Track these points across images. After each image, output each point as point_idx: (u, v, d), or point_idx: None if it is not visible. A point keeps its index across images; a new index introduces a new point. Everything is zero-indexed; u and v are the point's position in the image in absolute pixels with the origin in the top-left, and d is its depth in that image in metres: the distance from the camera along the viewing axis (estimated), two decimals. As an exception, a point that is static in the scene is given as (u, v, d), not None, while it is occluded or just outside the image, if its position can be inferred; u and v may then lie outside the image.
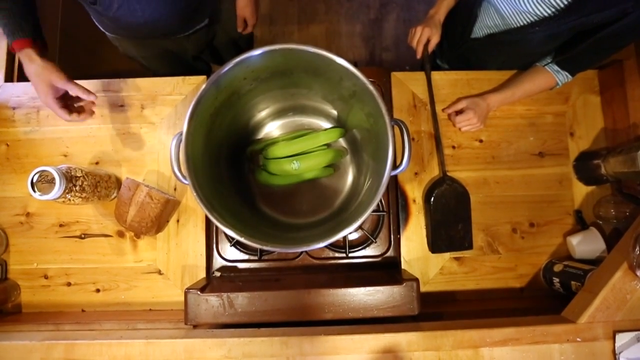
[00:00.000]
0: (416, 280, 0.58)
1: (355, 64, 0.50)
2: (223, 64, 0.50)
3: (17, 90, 0.77)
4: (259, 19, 0.89)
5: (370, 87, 0.50)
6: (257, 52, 0.49)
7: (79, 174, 0.63)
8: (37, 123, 0.76)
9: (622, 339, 0.52)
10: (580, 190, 0.75)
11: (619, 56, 0.71)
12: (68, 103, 0.63)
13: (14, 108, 0.77)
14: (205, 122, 0.55)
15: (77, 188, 0.62)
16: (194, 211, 0.73)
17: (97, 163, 0.75)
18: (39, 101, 0.76)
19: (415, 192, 0.74)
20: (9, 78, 0.79)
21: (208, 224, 0.73)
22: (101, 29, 0.76)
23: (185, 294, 0.58)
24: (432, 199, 0.71)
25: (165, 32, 0.75)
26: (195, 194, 0.50)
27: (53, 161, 0.75)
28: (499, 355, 0.52)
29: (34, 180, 0.58)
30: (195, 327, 0.61)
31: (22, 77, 0.72)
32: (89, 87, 0.61)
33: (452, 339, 0.52)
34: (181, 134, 0.51)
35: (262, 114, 0.70)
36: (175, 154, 0.54)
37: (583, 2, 0.55)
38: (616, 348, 0.52)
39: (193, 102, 0.50)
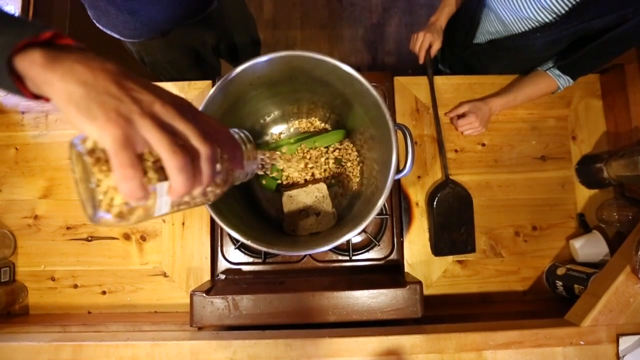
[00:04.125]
0: (419, 283, 0.58)
1: (358, 68, 0.51)
2: (237, 61, 0.51)
3: (26, 95, 0.79)
4: (262, 24, 0.90)
5: (374, 92, 0.51)
6: (263, 58, 0.50)
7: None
8: (45, 127, 0.77)
9: (625, 342, 0.52)
10: (583, 194, 0.76)
11: (620, 60, 0.72)
12: None
13: (22, 112, 0.78)
14: (211, 126, 0.56)
15: None
16: (199, 214, 0.74)
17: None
18: (47, 106, 0.78)
19: (418, 196, 0.75)
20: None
21: (213, 227, 0.74)
22: (122, 39, 0.77)
23: (191, 296, 0.58)
24: (435, 202, 0.71)
25: (185, 15, 0.75)
26: (201, 197, 0.51)
27: (61, 165, 0.76)
28: (502, 358, 0.52)
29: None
30: (200, 329, 0.61)
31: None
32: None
33: (455, 342, 0.53)
34: (188, 139, 0.52)
35: (267, 118, 0.71)
36: (181, 158, 0.54)
37: (584, 9, 0.56)
38: (620, 351, 0.52)
39: (200, 108, 0.51)
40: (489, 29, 0.72)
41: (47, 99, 0.29)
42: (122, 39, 0.77)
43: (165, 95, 0.28)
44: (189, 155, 0.27)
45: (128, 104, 0.26)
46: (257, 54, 1.03)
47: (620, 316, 0.53)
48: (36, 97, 0.29)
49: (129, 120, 0.25)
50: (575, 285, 0.64)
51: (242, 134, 0.45)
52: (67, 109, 0.25)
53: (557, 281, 0.68)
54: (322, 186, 0.66)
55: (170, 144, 0.26)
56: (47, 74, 0.26)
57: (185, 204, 0.33)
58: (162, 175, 0.27)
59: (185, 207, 0.33)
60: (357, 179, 0.71)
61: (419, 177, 0.75)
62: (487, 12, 0.70)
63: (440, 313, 0.67)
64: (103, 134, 0.24)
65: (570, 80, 0.70)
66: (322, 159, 0.70)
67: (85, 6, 0.70)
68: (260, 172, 0.68)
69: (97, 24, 0.74)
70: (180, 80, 0.79)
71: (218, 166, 0.32)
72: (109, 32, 0.75)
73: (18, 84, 0.28)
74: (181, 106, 0.28)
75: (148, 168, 0.27)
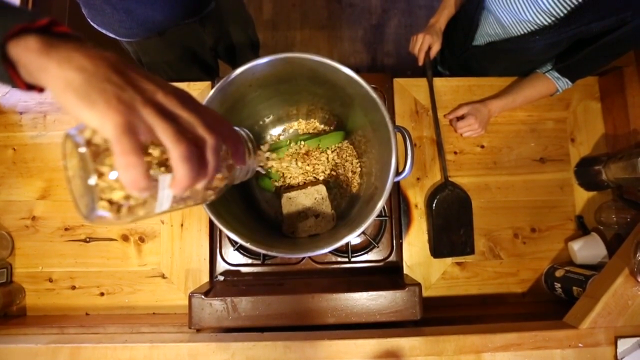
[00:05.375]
0: (418, 285, 0.58)
1: (357, 70, 0.51)
2: (235, 62, 0.51)
3: (24, 95, 0.78)
4: (262, 24, 0.89)
5: (374, 95, 0.51)
6: (263, 60, 0.50)
7: None
8: (43, 128, 0.77)
9: (624, 344, 0.52)
10: (582, 196, 0.76)
11: (619, 63, 0.72)
12: None
13: (21, 113, 0.78)
14: (210, 128, 0.56)
15: None
16: (197, 216, 0.74)
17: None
18: (46, 106, 0.78)
19: (417, 198, 0.75)
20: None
21: (212, 228, 0.74)
22: (118, 38, 0.76)
23: (190, 298, 0.58)
24: (434, 204, 0.71)
25: (182, 15, 0.75)
26: (200, 199, 0.51)
27: (59, 166, 0.76)
28: (501, 361, 0.52)
29: None
30: (198, 331, 0.61)
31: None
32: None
33: (454, 344, 0.53)
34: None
35: (267, 119, 0.71)
36: (180, 159, 0.54)
37: (583, 12, 0.56)
38: (618, 354, 0.52)
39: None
40: (488, 32, 0.72)
41: (40, 90, 0.28)
42: (118, 38, 0.77)
43: (167, 86, 0.27)
44: (194, 144, 0.26)
45: (130, 92, 0.24)
46: (256, 55, 1.03)
47: (618, 318, 0.53)
48: (29, 87, 0.28)
49: (131, 107, 0.24)
50: (574, 288, 0.64)
51: (242, 132, 0.44)
52: (65, 96, 0.24)
53: (555, 283, 0.68)
54: (322, 188, 0.66)
55: (174, 132, 0.25)
56: (43, 60, 0.25)
57: (186, 200, 0.31)
58: (165, 168, 0.26)
59: (184, 205, 0.31)
60: (357, 181, 0.71)
61: (418, 178, 0.75)
62: (486, 14, 0.70)
63: (439, 315, 0.67)
64: (104, 121, 0.23)
65: (569, 83, 0.71)
66: (322, 161, 0.70)
67: (80, 5, 0.70)
68: (262, 171, 0.68)
69: (92, 23, 0.74)
70: (178, 81, 0.79)
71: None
72: (104, 31, 0.75)
73: (11, 72, 0.26)
74: (183, 97, 0.27)
75: (149, 160, 0.26)
